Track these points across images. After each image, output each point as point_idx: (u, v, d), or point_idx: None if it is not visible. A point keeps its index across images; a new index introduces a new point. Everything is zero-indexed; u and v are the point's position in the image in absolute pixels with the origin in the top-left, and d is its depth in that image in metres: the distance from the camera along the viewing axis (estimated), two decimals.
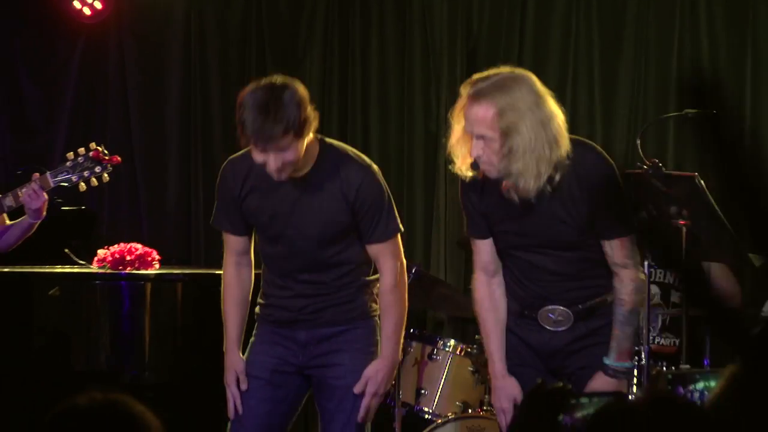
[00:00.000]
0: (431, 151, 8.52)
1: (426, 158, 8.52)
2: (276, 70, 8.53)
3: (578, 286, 5.78)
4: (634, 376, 5.63)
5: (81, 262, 7.59)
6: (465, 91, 5.70)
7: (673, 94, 8.19)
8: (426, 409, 7.49)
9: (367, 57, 8.65)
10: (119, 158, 6.57)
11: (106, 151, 6.53)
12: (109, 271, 7.39)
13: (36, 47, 8.82)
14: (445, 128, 8.38)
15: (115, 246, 7.50)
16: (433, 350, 7.57)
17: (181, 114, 8.80)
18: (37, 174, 6.44)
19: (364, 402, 5.96)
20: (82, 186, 6.51)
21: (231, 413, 5.99)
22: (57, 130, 8.91)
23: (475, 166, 5.67)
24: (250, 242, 6.16)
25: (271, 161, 5.78)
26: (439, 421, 7.28)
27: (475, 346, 7.51)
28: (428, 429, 7.25)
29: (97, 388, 2.80)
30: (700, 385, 3.62)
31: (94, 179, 6.53)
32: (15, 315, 7.24)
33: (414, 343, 7.63)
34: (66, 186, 6.51)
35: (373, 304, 6.08)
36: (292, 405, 6.03)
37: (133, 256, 7.47)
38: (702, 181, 6.71)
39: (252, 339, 6.10)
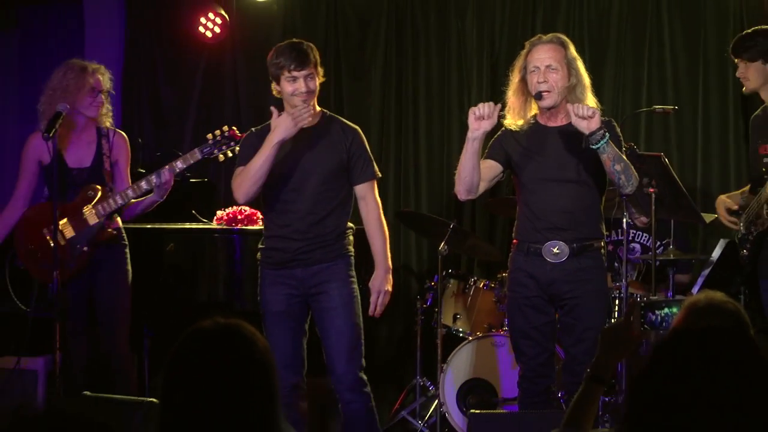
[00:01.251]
0: (462, 135, 8.55)
1: (460, 143, 8.53)
2: (348, 79, 8.66)
3: (579, 226, 5.83)
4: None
5: (204, 220, 7.69)
6: (528, 45, 5.96)
7: (644, 96, 8.21)
8: (461, 329, 7.56)
9: (416, 69, 8.63)
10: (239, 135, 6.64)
11: (237, 131, 6.61)
12: (224, 227, 7.48)
13: (171, 60, 8.84)
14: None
15: (230, 208, 7.59)
16: (465, 285, 7.63)
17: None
18: (167, 166, 6.50)
19: (379, 301, 6.00)
20: (221, 157, 6.60)
21: None
22: (185, 123, 8.90)
23: (538, 96, 5.82)
24: None
25: (302, 84, 5.88)
26: (470, 338, 7.34)
27: (496, 282, 7.57)
28: (462, 344, 7.31)
29: (218, 315, 2.82)
30: (665, 311, 3.62)
31: (229, 152, 6.61)
32: (157, 261, 7.31)
33: (452, 280, 7.65)
34: (210, 158, 6.60)
35: (349, 246, 6.08)
36: (303, 328, 5.99)
37: (242, 216, 7.56)
38: (666, 159, 6.75)
39: (259, 281, 6.09)
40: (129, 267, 6.65)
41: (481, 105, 5.65)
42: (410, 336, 8.09)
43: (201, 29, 8.25)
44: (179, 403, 2.63)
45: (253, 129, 6.24)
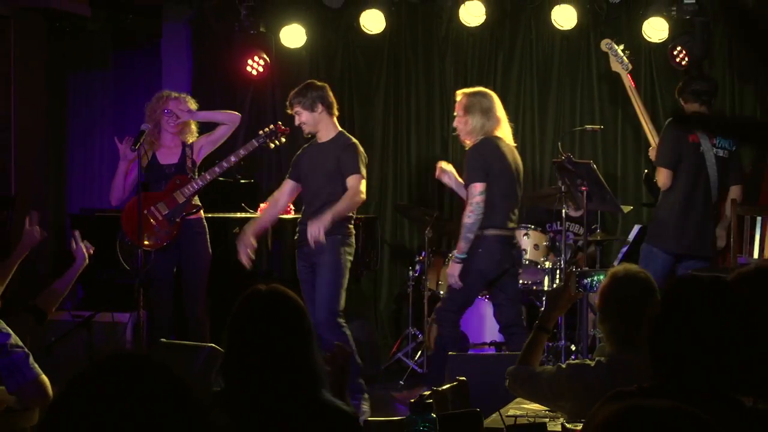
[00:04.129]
0: (444, 146, 8.54)
1: (441, 153, 8.54)
2: (357, 106, 8.63)
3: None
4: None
5: (251, 210, 7.63)
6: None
7: (578, 118, 8.18)
8: (442, 293, 7.51)
9: (408, 98, 8.59)
10: (289, 129, 6.66)
11: (284, 126, 6.61)
12: None
13: (226, 90, 8.81)
14: (451, 136, 8.45)
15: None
16: (445, 259, 7.59)
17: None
18: (232, 154, 6.55)
19: (314, 229, 5.95)
20: (272, 145, 6.68)
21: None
22: (237, 139, 8.90)
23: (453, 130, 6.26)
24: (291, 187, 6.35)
25: (296, 119, 6.12)
26: None
27: None
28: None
29: (262, 282, 2.83)
30: (594, 278, 3.62)
31: (277, 142, 6.64)
32: (223, 241, 7.27)
33: (435, 256, 7.59)
34: (264, 145, 6.67)
35: (342, 228, 6.07)
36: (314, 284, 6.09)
37: None
38: (594, 165, 6.73)
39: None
40: (209, 249, 6.59)
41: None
42: (404, 297, 8.06)
43: (248, 68, 8.20)
44: (240, 342, 2.69)
45: (304, 146, 6.35)
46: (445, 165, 6.42)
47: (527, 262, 7.30)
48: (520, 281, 7.42)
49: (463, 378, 3.90)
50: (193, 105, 6.69)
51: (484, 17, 7.85)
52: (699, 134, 6.36)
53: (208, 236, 6.65)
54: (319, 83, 6.35)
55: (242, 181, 8.30)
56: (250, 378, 2.64)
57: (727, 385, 2.29)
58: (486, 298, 7.18)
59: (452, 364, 5.92)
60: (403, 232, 8.62)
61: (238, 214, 7.54)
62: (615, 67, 7.02)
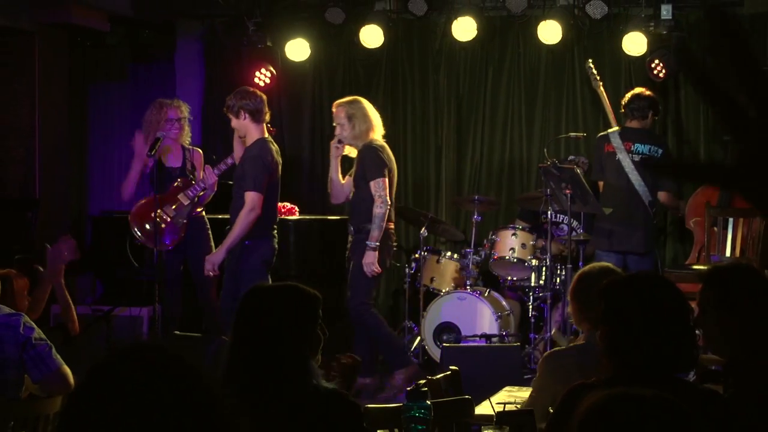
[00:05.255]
0: (437, 153, 8.54)
1: (435, 159, 8.55)
2: None
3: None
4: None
5: None
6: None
7: (563, 126, 8.18)
8: (435, 288, 7.52)
9: (404, 107, 8.56)
10: (275, 130, 6.54)
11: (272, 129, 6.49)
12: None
13: None
14: (445, 143, 8.44)
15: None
16: (439, 257, 7.58)
17: (311, 131, 8.79)
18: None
19: (208, 266, 5.95)
20: None
21: None
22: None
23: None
24: None
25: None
26: (442, 294, 7.31)
27: (460, 255, 7.53)
28: (436, 298, 7.27)
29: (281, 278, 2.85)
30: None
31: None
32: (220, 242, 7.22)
33: (429, 254, 7.63)
34: None
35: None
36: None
37: (284, 210, 7.52)
38: (577, 170, 6.74)
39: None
40: (213, 245, 6.55)
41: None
42: (401, 292, 8.06)
43: (256, 80, 8.19)
44: (246, 331, 2.69)
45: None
46: (337, 144, 6.50)
47: (515, 260, 7.31)
48: (509, 278, 7.46)
49: (456, 368, 3.91)
50: (185, 109, 6.67)
51: (475, 32, 7.86)
52: (614, 143, 6.83)
53: (210, 232, 6.63)
54: (250, 90, 6.24)
55: None
56: (252, 364, 2.64)
57: (670, 366, 2.40)
58: (477, 293, 7.19)
59: (446, 355, 5.94)
60: (400, 232, 8.61)
61: None
62: (594, 86, 7.38)
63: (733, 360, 2.71)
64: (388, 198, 6.20)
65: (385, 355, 6.48)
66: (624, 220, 6.82)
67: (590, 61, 7.48)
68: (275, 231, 6.18)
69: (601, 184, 7.09)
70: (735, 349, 2.67)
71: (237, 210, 5.96)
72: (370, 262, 6.13)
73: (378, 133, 6.33)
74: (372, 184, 6.17)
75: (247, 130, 6.08)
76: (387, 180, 6.20)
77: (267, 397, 2.61)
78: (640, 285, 2.53)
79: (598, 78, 7.35)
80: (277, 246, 6.15)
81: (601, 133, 7.17)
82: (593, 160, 7.16)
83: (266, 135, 6.14)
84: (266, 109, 6.13)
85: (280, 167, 6.19)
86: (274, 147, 6.14)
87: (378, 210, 6.16)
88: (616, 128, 7.02)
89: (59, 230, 6.58)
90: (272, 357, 2.64)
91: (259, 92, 6.20)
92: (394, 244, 6.44)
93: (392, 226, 6.39)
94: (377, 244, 6.14)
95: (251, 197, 5.89)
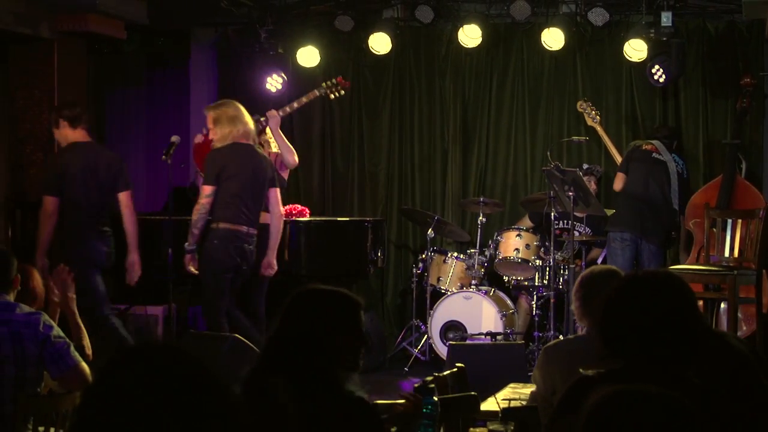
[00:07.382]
0: (443, 156, 8.52)
1: (442, 162, 8.54)
2: (366, 120, 8.63)
3: None
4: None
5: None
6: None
7: (565, 130, 8.16)
8: (442, 287, 7.52)
9: (412, 112, 8.53)
10: (348, 83, 6.56)
11: (343, 80, 6.46)
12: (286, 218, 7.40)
13: (247, 107, 8.79)
14: (451, 147, 8.43)
15: (287, 206, 7.52)
16: (445, 258, 7.59)
17: (322, 135, 8.79)
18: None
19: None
20: (332, 96, 6.91)
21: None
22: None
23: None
24: None
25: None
26: (448, 293, 7.31)
27: (466, 255, 7.52)
28: (443, 297, 7.27)
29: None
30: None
31: (337, 93, 6.71)
32: None
33: (436, 254, 7.61)
34: (324, 96, 6.94)
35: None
36: None
37: (296, 211, 7.51)
38: (580, 172, 6.73)
39: None
40: None
41: None
42: (408, 292, 8.05)
43: (268, 86, 8.21)
44: (290, 331, 2.65)
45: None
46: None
47: (520, 261, 7.30)
48: (514, 277, 7.45)
49: (462, 365, 3.90)
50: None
51: (481, 39, 7.85)
52: (659, 147, 7.21)
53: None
54: (69, 102, 6.24)
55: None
56: (289, 359, 2.59)
57: (667, 361, 2.32)
58: (483, 292, 7.18)
59: (452, 353, 5.92)
60: (407, 233, 8.61)
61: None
62: (590, 122, 7.60)
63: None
64: (206, 205, 5.87)
65: None
66: (654, 208, 7.15)
67: (584, 99, 7.67)
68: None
69: (618, 183, 7.30)
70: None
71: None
72: (185, 263, 5.94)
73: (244, 133, 6.00)
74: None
75: (62, 136, 6.05)
76: (212, 188, 5.86)
77: (296, 394, 2.58)
78: (647, 283, 2.47)
79: (594, 113, 7.60)
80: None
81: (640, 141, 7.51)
82: (623, 156, 7.39)
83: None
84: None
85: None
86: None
87: (193, 216, 5.92)
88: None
89: None
90: (307, 356, 2.60)
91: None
92: (248, 245, 6.01)
93: (243, 228, 5.94)
94: (193, 247, 5.88)
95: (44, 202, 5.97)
